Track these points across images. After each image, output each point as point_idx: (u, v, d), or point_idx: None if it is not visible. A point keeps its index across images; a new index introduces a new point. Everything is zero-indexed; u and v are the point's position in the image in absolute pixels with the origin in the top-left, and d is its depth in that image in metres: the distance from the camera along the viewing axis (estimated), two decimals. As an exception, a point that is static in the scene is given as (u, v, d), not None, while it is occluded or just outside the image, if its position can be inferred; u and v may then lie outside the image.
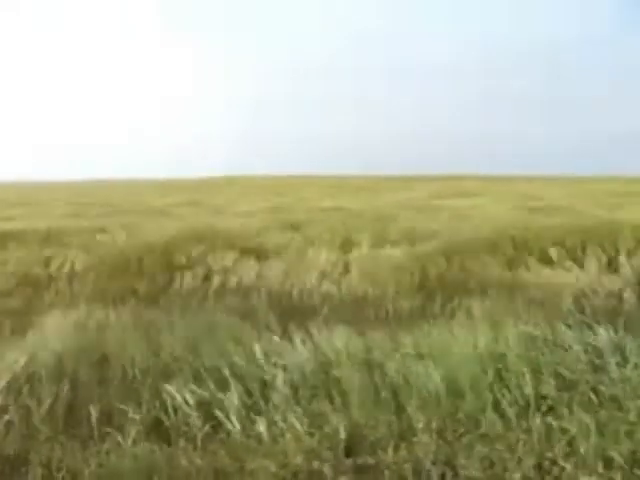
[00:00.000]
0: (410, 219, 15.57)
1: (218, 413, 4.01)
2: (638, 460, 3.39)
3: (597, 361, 4.50)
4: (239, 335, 5.16)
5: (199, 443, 3.81)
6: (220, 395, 4.21)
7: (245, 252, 10.39)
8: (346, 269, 9.07)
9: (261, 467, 3.49)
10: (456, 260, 9.31)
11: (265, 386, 4.35)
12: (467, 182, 43.00)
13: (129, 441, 3.79)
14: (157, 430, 4.00)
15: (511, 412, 3.88)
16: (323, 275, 8.69)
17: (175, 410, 4.09)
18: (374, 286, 8.05)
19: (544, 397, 4.06)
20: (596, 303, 6.60)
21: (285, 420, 3.87)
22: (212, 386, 4.32)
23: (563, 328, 5.05)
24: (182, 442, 3.83)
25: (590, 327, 5.06)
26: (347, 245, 10.97)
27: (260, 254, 10.32)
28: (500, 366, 4.38)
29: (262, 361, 4.64)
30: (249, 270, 9.10)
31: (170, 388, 4.28)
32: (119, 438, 3.84)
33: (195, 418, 4.00)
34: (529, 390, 4.08)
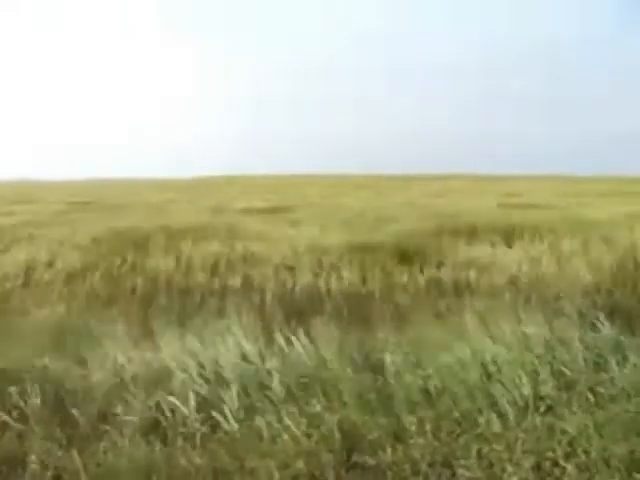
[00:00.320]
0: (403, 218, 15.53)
1: (216, 413, 4.00)
2: (638, 460, 3.38)
3: (597, 360, 4.49)
4: (236, 334, 5.14)
5: (198, 442, 3.80)
6: (219, 394, 4.20)
7: (243, 250, 10.39)
8: (343, 268, 9.03)
9: (261, 466, 3.48)
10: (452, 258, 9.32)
11: (262, 386, 4.35)
12: (456, 181, 43.09)
13: (127, 440, 3.78)
14: (155, 429, 3.98)
15: (509, 412, 3.87)
16: (319, 274, 8.67)
17: (173, 410, 4.08)
18: (370, 285, 8.04)
19: (543, 397, 4.05)
20: (596, 301, 6.58)
21: (281, 420, 3.86)
22: (211, 385, 4.31)
23: (562, 327, 5.05)
24: (180, 441, 3.82)
25: (590, 326, 5.06)
26: (346, 243, 10.95)
27: (258, 252, 10.30)
28: (498, 366, 4.37)
29: (261, 359, 4.63)
30: (246, 268, 9.08)
31: (169, 387, 4.27)
32: (116, 437, 3.83)
33: (193, 417, 3.99)
34: (527, 390, 4.07)
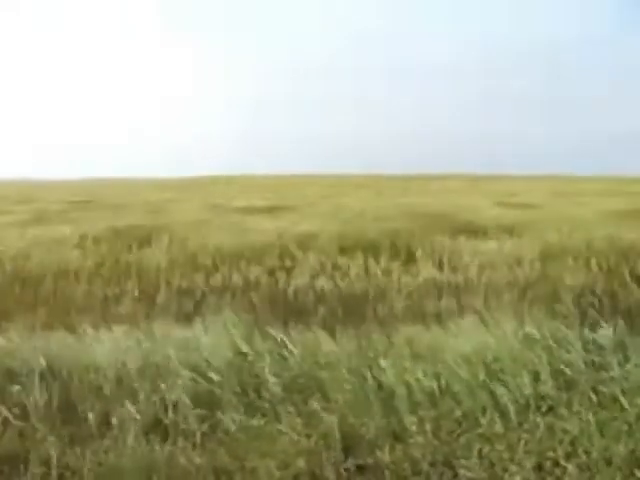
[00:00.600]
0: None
1: (216, 412, 4.00)
2: (639, 460, 3.37)
3: (598, 360, 4.48)
4: (235, 333, 5.14)
5: (198, 441, 3.80)
6: (218, 394, 4.20)
7: (241, 249, 10.37)
8: (341, 268, 9.02)
9: (261, 465, 3.47)
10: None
11: (261, 385, 4.34)
12: (453, 181, 43.16)
13: (128, 439, 3.77)
14: (156, 428, 3.98)
15: (511, 411, 3.86)
16: (318, 274, 8.66)
17: (174, 408, 4.08)
18: (368, 284, 8.03)
19: (544, 397, 4.04)
20: (597, 301, 6.59)
21: (281, 420, 3.86)
22: (211, 385, 4.31)
23: (563, 326, 5.04)
24: (181, 441, 3.81)
25: (591, 325, 5.06)
26: (345, 244, 10.94)
27: (255, 250, 10.28)
28: (499, 365, 4.37)
29: (258, 360, 4.63)
30: (243, 267, 9.08)
31: (169, 386, 4.27)
32: (118, 436, 3.83)
33: (194, 416, 3.99)
34: (528, 389, 4.06)
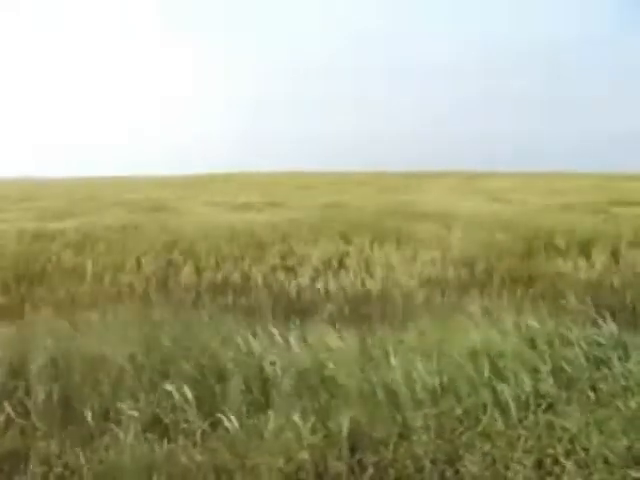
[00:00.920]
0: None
1: (218, 410, 3.99)
2: (637, 457, 3.37)
3: (598, 357, 4.48)
4: (241, 331, 5.13)
5: (198, 439, 3.80)
6: (220, 391, 4.20)
7: (246, 248, 10.38)
8: (346, 265, 9.04)
9: (263, 464, 3.47)
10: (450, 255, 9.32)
11: (266, 383, 4.34)
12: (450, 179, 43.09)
13: (128, 437, 3.77)
14: (156, 426, 3.97)
15: (511, 409, 3.86)
16: (323, 272, 8.67)
17: (174, 406, 4.07)
18: (372, 282, 8.03)
19: (543, 394, 4.04)
20: (598, 298, 6.58)
21: (287, 417, 3.85)
22: (213, 382, 4.30)
23: (563, 323, 5.04)
24: (181, 439, 3.81)
25: (592, 322, 5.06)
26: (347, 241, 10.94)
27: (260, 250, 10.30)
28: (500, 363, 4.37)
29: (263, 357, 4.62)
30: (250, 266, 9.08)
31: (169, 385, 4.27)
32: (118, 434, 3.83)
33: (195, 415, 3.98)
34: (528, 387, 4.06)
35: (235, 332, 5.15)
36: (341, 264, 9.19)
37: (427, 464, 3.46)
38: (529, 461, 3.40)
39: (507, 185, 34.01)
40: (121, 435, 3.81)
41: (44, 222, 15.63)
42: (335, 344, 4.86)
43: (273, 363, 4.53)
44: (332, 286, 7.94)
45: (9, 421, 4.01)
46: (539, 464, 3.40)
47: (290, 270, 8.85)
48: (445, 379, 4.20)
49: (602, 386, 4.10)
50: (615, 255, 9.03)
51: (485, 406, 3.91)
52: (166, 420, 4.01)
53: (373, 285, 7.92)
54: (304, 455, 3.51)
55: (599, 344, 4.67)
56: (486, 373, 4.22)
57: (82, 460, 3.59)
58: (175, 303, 7.17)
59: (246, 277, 8.61)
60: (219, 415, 3.94)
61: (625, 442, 3.43)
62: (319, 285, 8.00)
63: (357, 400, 4.06)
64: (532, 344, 4.68)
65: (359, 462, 3.53)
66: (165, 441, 3.78)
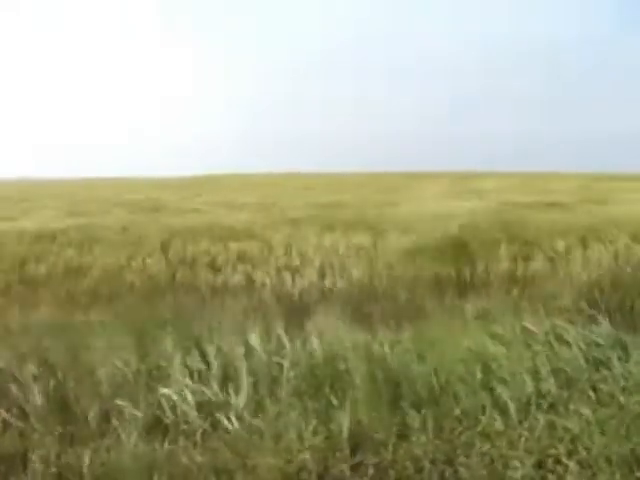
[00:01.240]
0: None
1: (219, 411, 3.99)
2: (639, 456, 3.37)
3: (598, 357, 4.48)
4: (242, 331, 5.14)
5: (199, 440, 3.79)
6: (221, 392, 4.20)
7: (249, 247, 10.39)
8: (346, 265, 9.04)
9: (264, 464, 3.47)
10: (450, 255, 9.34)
11: (268, 382, 4.34)
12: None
13: (130, 438, 3.77)
14: (157, 427, 3.97)
15: (511, 409, 3.86)
16: (325, 270, 8.68)
17: (175, 407, 4.07)
18: (373, 282, 8.04)
19: (544, 394, 4.04)
20: (597, 298, 6.58)
21: (288, 417, 3.85)
22: (213, 382, 4.31)
23: (563, 324, 5.04)
24: (182, 439, 3.81)
25: (591, 322, 5.06)
26: (349, 240, 10.95)
27: (263, 249, 10.31)
28: (498, 363, 4.37)
29: (265, 357, 4.63)
30: (252, 265, 9.09)
31: (169, 384, 4.27)
32: (119, 435, 3.83)
33: (195, 415, 3.99)
34: (529, 387, 4.06)
35: (238, 331, 5.16)
36: (344, 262, 9.19)
37: (426, 465, 3.46)
38: (529, 461, 3.40)
39: (495, 186, 33.82)
40: (122, 436, 3.81)
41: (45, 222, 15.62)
42: (337, 344, 4.86)
43: (275, 362, 4.54)
44: (336, 284, 7.96)
45: (7, 423, 4.02)
46: (540, 464, 3.40)
47: (292, 270, 8.86)
48: (444, 379, 4.21)
49: (603, 386, 4.09)
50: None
51: (485, 406, 3.92)
52: (167, 420, 4.01)
53: (375, 283, 7.93)
54: (305, 456, 3.51)
55: (598, 344, 4.67)
56: (485, 373, 4.23)
57: (83, 461, 3.59)
58: (179, 302, 7.20)
59: (248, 277, 8.62)
60: (220, 415, 3.96)
61: (628, 442, 3.43)
62: (323, 283, 8.02)
63: (359, 400, 4.07)
64: (530, 344, 4.68)
65: (359, 463, 3.54)
66: (166, 442, 3.78)
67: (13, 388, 4.33)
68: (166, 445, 3.74)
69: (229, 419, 3.91)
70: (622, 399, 3.89)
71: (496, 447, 3.53)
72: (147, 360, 4.74)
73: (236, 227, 13.22)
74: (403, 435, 3.71)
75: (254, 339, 4.90)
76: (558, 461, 3.39)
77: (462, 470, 3.39)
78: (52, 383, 4.40)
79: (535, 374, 4.22)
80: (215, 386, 4.28)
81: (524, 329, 4.97)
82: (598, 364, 4.42)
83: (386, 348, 4.73)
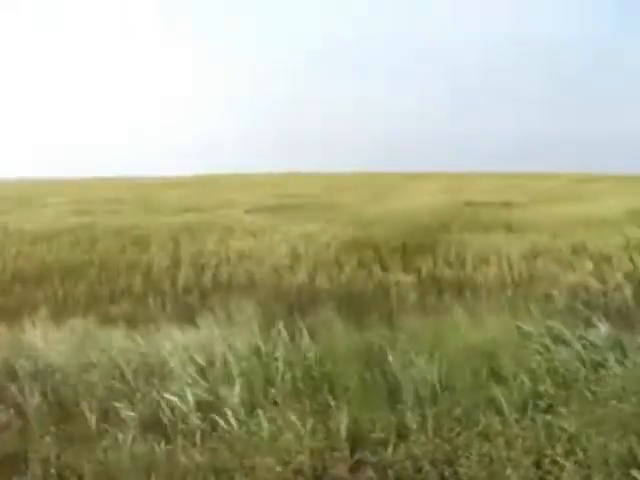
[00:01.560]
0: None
1: (219, 410, 4.00)
2: (636, 457, 3.38)
3: (596, 358, 4.49)
4: (237, 330, 5.15)
5: (198, 440, 3.80)
6: (220, 391, 4.21)
7: (247, 247, 10.39)
8: (343, 265, 9.04)
9: (261, 464, 3.48)
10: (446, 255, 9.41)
11: (263, 383, 4.35)
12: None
13: (128, 438, 3.78)
14: (156, 427, 3.98)
15: (509, 410, 3.87)
16: (323, 271, 8.68)
17: (174, 407, 4.08)
18: (370, 282, 8.05)
19: (542, 395, 4.05)
20: (593, 299, 6.60)
21: (284, 418, 3.86)
22: (212, 382, 4.32)
23: (560, 325, 5.05)
24: (181, 439, 3.82)
25: (588, 324, 5.06)
26: (344, 240, 10.95)
27: (262, 249, 10.30)
28: (497, 364, 4.38)
29: (264, 356, 4.64)
30: (250, 265, 9.09)
31: (169, 384, 4.28)
32: (118, 435, 3.84)
33: (194, 415, 4.00)
34: (527, 388, 4.07)
35: (236, 331, 5.16)
36: (340, 262, 9.20)
37: (426, 465, 3.47)
38: (527, 461, 3.40)
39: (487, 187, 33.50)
40: (121, 435, 3.81)
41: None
42: (334, 344, 4.87)
43: (273, 362, 4.55)
44: (333, 284, 7.96)
45: (7, 422, 4.03)
46: (537, 464, 3.40)
47: (290, 269, 8.86)
48: (442, 380, 4.21)
49: (600, 387, 4.10)
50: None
51: (483, 407, 3.92)
52: (165, 420, 4.02)
53: (372, 283, 7.95)
54: (303, 456, 3.52)
55: (596, 345, 4.68)
56: (484, 374, 4.24)
57: (83, 461, 3.61)
58: (178, 301, 7.20)
59: (248, 276, 8.63)
60: (218, 415, 3.96)
61: (625, 443, 3.44)
62: (320, 283, 8.03)
63: (357, 400, 4.07)
64: (528, 345, 4.69)
65: (359, 462, 3.55)
66: (165, 442, 3.79)
67: (13, 388, 4.34)
68: (165, 445, 3.75)
69: (227, 419, 3.92)
70: (619, 399, 3.89)
71: (495, 447, 3.53)
72: (147, 359, 4.75)
73: (234, 227, 13.22)
74: (402, 435, 3.73)
75: (250, 338, 4.92)
76: (555, 461, 3.39)
77: (461, 470, 3.40)
78: (53, 383, 4.41)
79: (533, 375, 4.23)
80: (213, 386, 4.29)
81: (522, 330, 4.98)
82: (596, 365, 4.42)
83: (385, 347, 4.74)
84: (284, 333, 5.02)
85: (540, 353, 4.54)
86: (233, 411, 3.99)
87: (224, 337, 5.06)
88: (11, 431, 3.98)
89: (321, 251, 9.99)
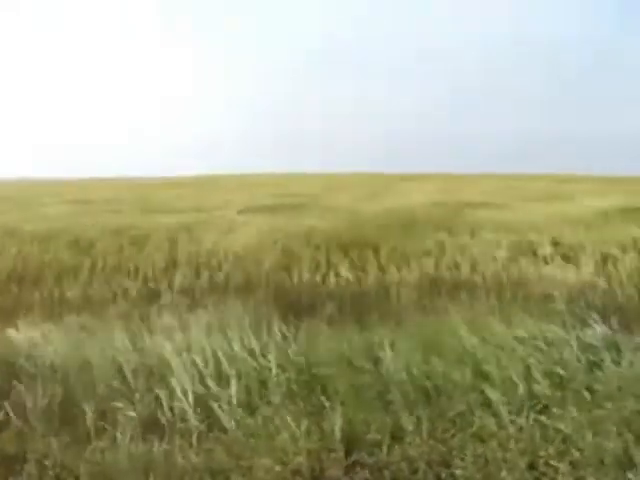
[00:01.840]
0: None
1: (216, 409, 4.00)
2: (631, 458, 3.38)
3: (591, 358, 4.49)
4: (235, 332, 5.14)
5: (195, 441, 3.81)
6: (218, 392, 4.22)
7: (244, 247, 10.39)
8: (340, 265, 9.04)
9: (259, 464, 3.48)
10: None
11: (261, 384, 4.36)
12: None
13: (126, 439, 3.79)
14: (154, 427, 3.99)
15: (504, 411, 3.87)
16: (321, 272, 8.69)
17: (172, 407, 4.09)
18: (367, 283, 8.05)
19: (537, 396, 4.05)
20: (589, 300, 6.60)
21: (281, 418, 3.86)
22: (210, 383, 4.32)
23: (556, 326, 5.05)
24: (178, 439, 3.83)
25: (584, 324, 5.06)
26: (343, 241, 10.94)
27: (259, 249, 10.30)
28: (492, 365, 4.38)
29: (260, 358, 4.64)
30: (247, 265, 9.10)
31: (167, 385, 4.28)
32: (116, 435, 3.84)
33: (192, 415, 4.00)
34: (522, 389, 4.07)
35: (234, 332, 5.16)
36: (337, 263, 9.19)
37: (422, 466, 3.47)
38: (522, 462, 3.41)
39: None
40: (119, 436, 3.82)
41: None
42: (330, 345, 4.87)
43: (270, 363, 4.55)
44: (330, 285, 7.97)
45: (5, 422, 4.03)
46: (532, 465, 3.40)
47: (289, 270, 8.86)
48: (438, 382, 4.21)
49: (596, 387, 4.10)
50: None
51: (478, 408, 3.93)
52: (163, 420, 4.03)
53: (369, 284, 7.94)
54: (301, 457, 3.52)
55: (591, 345, 4.68)
56: (478, 375, 4.24)
57: (80, 461, 3.61)
58: (176, 302, 7.20)
59: (246, 277, 8.63)
60: (217, 415, 3.96)
61: (621, 443, 3.44)
62: (317, 284, 8.04)
63: (352, 401, 4.08)
64: (523, 346, 4.69)
65: (355, 463, 3.55)
66: (162, 442, 3.80)
67: (13, 388, 4.34)
68: (162, 445, 3.76)
69: (224, 420, 3.92)
70: (615, 399, 3.89)
71: (490, 449, 3.53)
72: (146, 359, 4.76)
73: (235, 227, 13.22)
74: (397, 437, 3.73)
75: (247, 339, 4.92)
76: (549, 462, 3.39)
77: (457, 472, 3.40)
78: (52, 384, 4.42)
79: (528, 375, 4.23)
80: (211, 386, 4.29)
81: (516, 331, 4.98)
82: (592, 365, 4.43)
83: (383, 347, 4.74)
84: (279, 334, 5.01)
85: (535, 354, 4.54)
86: (230, 412, 3.99)
87: (220, 338, 5.05)
88: (8, 431, 3.97)
89: (319, 251, 9.97)
